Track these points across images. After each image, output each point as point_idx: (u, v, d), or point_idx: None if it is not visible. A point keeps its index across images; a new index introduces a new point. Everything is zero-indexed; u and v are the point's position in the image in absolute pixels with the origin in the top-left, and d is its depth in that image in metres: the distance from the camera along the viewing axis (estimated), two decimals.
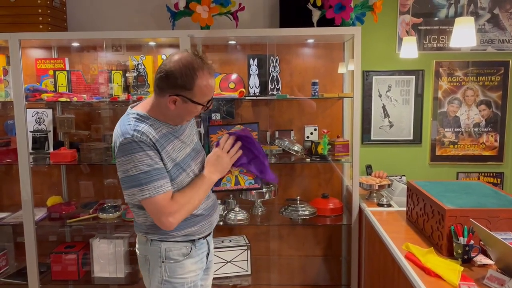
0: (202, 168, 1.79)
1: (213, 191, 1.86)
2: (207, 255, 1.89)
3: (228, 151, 1.78)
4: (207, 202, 1.80)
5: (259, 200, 2.96)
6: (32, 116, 2.98)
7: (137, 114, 1.65)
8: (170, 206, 1.61)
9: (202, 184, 1.71)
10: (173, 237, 1.73)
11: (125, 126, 1.61)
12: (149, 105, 1.68)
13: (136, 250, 1.85)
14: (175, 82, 1.58)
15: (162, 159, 1.62)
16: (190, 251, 1.77)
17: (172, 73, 1.57)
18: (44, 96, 2.77)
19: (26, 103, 2.69)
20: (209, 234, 1.89)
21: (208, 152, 1.84)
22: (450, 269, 1.63)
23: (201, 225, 1.78)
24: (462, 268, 1.64)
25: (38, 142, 2.95)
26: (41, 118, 2.99)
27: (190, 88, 1.59)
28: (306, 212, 2.85)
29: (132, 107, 1.72)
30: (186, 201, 1.65)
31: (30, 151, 2.80)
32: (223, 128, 1.84)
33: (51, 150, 2.95)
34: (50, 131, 3.00)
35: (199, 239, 1.81)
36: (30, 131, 2.90)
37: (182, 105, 1.62)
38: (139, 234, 1.80)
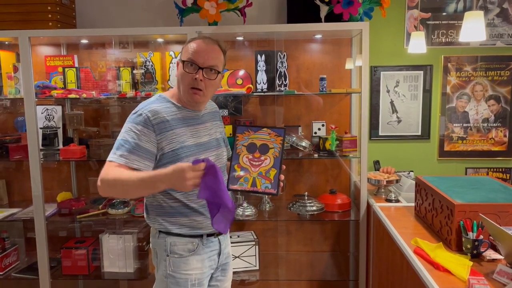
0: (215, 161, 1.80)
1: (229, 189, 1.80)
2: (219, 254, 1.89)
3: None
4: None
5: (266, 196, 2.97)
6: (42, 113, 3.01)
7: (159, 95, 1.79)
8: (106, 173, 1.61)
9: (138, 179, 1.57)
10: (177, 229, 1.75)
11: (144, 102, 1.75)
12: (172, 90, 1.82)
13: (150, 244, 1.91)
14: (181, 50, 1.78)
15: (160, 141, 1.67)
16: (197, 248, 1.78)
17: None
18: (54, 93, 2.79)
19: (36, 100, 2.71)
20: (221, 233, 1.88)
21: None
22: (459, 264, 1.63)
23: (204, 217, 1.77)
24: (471, 263, 1.64)
25: (48, 138, 2.97)
26: (50, 115, 3.02)
27: (182, 49, 1.76)
28: (314, 208, 2.85)
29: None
30: (112, 182, 1.60)
31: (40, 147, 2.82)
32: (250, 129, 1.84)
33: (61, 146, 2.97)
34: (59, 127, 3.03)
35: (208, 236, 1.81)
36: (40, 128, 2.93)
37: (179, 68, 1.75)
38: (150, 224, 1.84)
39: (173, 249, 1.76)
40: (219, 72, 1.76)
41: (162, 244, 1.77)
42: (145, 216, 1.86)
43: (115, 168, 1.61)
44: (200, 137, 1.79)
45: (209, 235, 1.82)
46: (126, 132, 1.66)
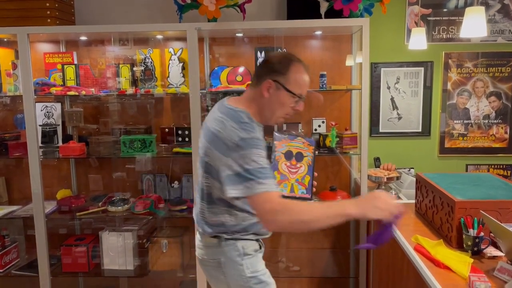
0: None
1: None
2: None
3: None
4: None
5: None
6: (41, 110, 3.00)
7: (248, 115, 1.63)
8: (279, 204, 1.47)
9: (326, 205, 1.54)
10: (245, 235, 1.72)
11: (241, 122, 1.58)
12: (250, 107, 1.68)
13: (201, 256, 1.79)
14: (272, 67, 1.67)
15: None
16: (260, 248, 1.79)
17: (271, 59, 1.71)
18: (53, 90, 2.78)
19: (35, 97, 2.70)
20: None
21: None
22: (460, 261, 1.63)
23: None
24: (472, 260, 1.63)
25: (47, 136, 2.97)
26: (50, 112, 3.01)
27: (285, 73, 1.66)
28: None
29: (231, 102, 1.69)
30: (297, 209, 1.48)
31: (40, 144, 2.82)
32: (287, 137, 1.93)
33: (60, 143, 2.97)
34: (59, 125, 3.02)
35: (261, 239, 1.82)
36: (39, 125, 2.92)
37: (275, 92, 1.67)
38: (208, 238, 1.73)
39: (246, 251, 1.71)
40: None
41: (233, 250, 1.70)
42: (206, 229, 1.73)
43: (279, 198, 1.49)
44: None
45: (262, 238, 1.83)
46: (259, 159, 1.52)
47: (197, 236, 1.84)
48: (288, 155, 1.90)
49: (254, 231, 1.74)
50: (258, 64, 1.78)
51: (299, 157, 1.91)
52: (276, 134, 1.94)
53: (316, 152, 2.85)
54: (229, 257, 1.71)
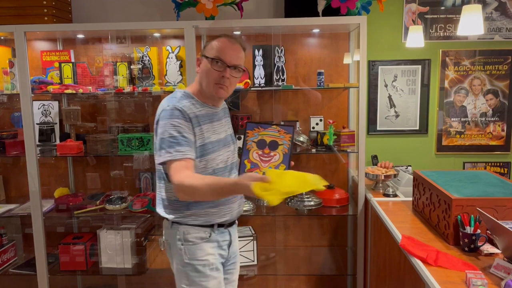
0: (230, 157, 1.89)
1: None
2: (229, 245, 1.92)
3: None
4: None
5: None
6: (38, 108, 2.99)
7: (184, 92, 1.82)
8: (186, 177, 1.62)
9: (220, 185, 1.65)
10: (192, 220, 1.78)
11: (171, 98, 1.78)
12: (193, 86, 1.85)
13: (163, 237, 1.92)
14: (203, 47, 1.85)
15: (194, 134, 1.73)
16: (210, 236, 1.82)
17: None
18: (50, 88, 2.78)
19: (32, 95, 2.70)
20: (231, 225, 1.94)
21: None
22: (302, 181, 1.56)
23: (219, 208, 1.82)
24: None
25: (45, 134, 2.97)
26: (47, 110, 3.01)
27: (206, 46, 1.81)
28: (312, 203, 2.85)
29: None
30: (198, 186, 1.61)
31: (37, 143, 2.81)
32: (260, 126, 1.95)
33: (58, 142, 2.96)
34: (56, 123, 3.02)
35: (219, 226, 1.84)
36: (37, 123, 2.92)
37: (202, 64, 1.81)
38: (165, 216, 1.84)
39: (186, 238, 1.79)
40: (243, 70, 1.84)
41: (175, 234, 1.80)
42: (160, 210, 1.86)
43: (187, 170, 1.63)
44: (219, 133, 1.84)
45: (219, 225, 1.85)
46: (170, 129, 1.68)
47: None
48: (261, 144, 1.91)
49: (200, 214, 1.78)
50: None
51: (274, 145, 1.91)
52: (248, 123, 1.96)
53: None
54: (173, 240, 1.82)
